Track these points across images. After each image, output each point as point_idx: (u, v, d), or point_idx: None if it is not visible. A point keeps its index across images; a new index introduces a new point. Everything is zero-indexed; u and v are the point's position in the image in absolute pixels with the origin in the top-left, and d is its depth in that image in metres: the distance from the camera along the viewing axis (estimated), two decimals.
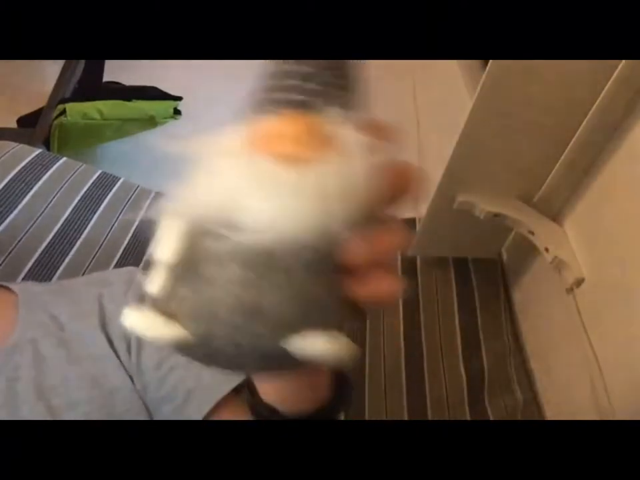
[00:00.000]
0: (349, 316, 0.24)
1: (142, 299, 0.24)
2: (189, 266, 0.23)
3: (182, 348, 0.23)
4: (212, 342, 0.22)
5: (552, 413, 0.86)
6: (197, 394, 0.50)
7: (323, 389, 0.36)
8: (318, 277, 0.22)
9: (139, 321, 0.23)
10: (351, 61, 0.27)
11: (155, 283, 0.23)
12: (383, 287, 0.23)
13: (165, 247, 0.23)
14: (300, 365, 0.23)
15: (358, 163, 0.22)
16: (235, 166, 0.22)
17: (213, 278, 0.22)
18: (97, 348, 0.52)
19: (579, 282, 0.76)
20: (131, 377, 0.52)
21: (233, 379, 0.50)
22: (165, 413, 0.51)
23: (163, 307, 0.23)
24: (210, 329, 0.22)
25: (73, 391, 0.49)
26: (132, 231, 0.96)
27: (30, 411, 0.47)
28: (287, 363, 0.23)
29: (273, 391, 0.35)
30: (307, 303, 0.22)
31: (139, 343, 0.53)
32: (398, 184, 0.24)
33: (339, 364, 0.23)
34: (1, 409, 0.47)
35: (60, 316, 0.54)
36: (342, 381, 0.38)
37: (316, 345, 0.22)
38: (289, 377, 0.31)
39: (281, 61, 0.26)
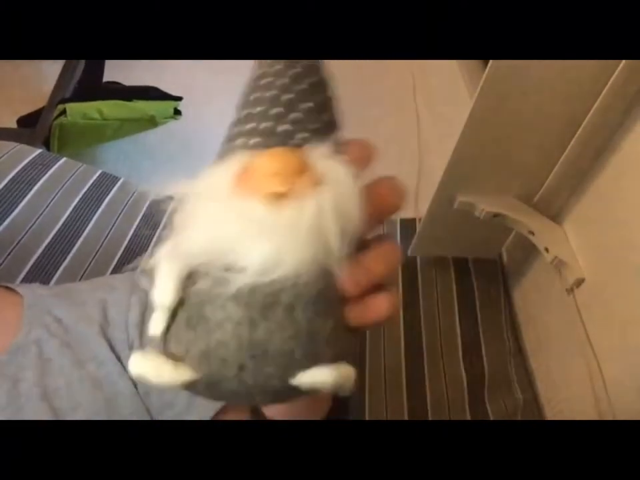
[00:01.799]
0: (350, 341, 0.24)
1: (146, 342, 0.24)
2: (191, 309, 0.23)
3: (190, 389, 0.24)
4: (220, 383, 0.23)
5: (552, 413, 0.86)
6: (200, 401, 0.50)
7: (325, 405, 0.37)
8: (319, 310, 0.23)
9: (146, 367, 0.23)
10: (327, 81, 0.26)
11: (157, 326, 0.24)
12: (382, 308, 0.23)
13: (165, 290, 0.23)
14: (305, 395, 0.23)
15: (345, 193, 0.22)
16: (226, 209, 0.22)
17: (216, 320, 0.22)
18: (100, 352, 0.52)
19: (579, 282, 0.76)
20: (134, 382, 0.52)
21: None
22: (167, 418, 0.51)
23: (168, 350, 0.24)
24: (218, 371, 0.23)
25: (77, 394, 0.49)
26: (132, 231, 0.96)
27: (33, 412, 0.47)
28: (293, 395, 0.23)
29: (277, 412, 0.36)
30: (310, 338, 0.22)
31: (141, 348, 0.53)
32: (384, 203, 0.24)
33: (343, 391, 0.23)
34: (4, 410, 0.47)
35: (64, 319, 0.54)
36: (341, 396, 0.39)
37: (322, 377, 0.22)
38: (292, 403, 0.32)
39: (257, 86, 0.26)
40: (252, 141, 0.24)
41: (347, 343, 0.24)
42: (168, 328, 0.24)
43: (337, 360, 0.23)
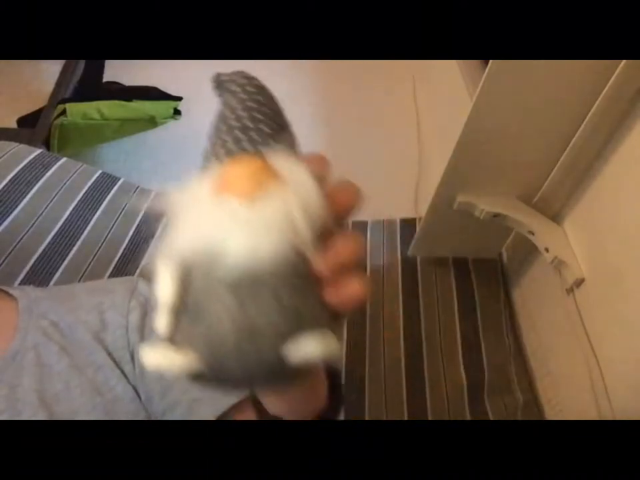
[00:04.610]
0: (329, 318, 0.27)
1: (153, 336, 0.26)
2: (188, 304, 0.26)
3: (195, 378, 0.26)
4: (223, 368, 0.26)
5: (552, 413, 0.86)
6: (202, 404, 0.50)
7: (322, 395, 0.38)
8: (298, 288, 0.26)
9: (158, 358, 0.26)
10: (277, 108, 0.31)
11: (162, 323, 0.26)
12: (353, 289, 0.26)
13: (164, 289, 0.26)
14: (301, 372, 0.26)
15: (306, 187, 0.26)
16: (209, 210, 0.26)
17: (212, 310, 0.26)
18: (97, 357, 0.52)
19: (579, 282, 0.76)
20: (134, 387, 0.52)
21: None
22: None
23: (174, 342, 0.26)
24: (220, 357, 0.25)
25: (75, 399, 0.49)
26: (131, 232, 0.96)
27: (31, 417, 0.47)
28: (289, 373, 0.26)
29: (278, 403, 0.36)
30: (293, 312, 0.26)
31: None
32: (343, 201, 0.28)
33: (331, 358, 0.26)
34: (1, 415, 0.47)
35: (60, 323, 0.54)
36: (335, 384, 0.41)
37: (310, 346, 0.25)
38: (292, 390, 0.34)
39: (228, 112, 0.31)
40: (222, 156, 0.29)
41: (327, 320, 0.27)
42: (172, 324, 0.26)
43: (322, 331, 0.26)
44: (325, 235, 0.26)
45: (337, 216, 0.27)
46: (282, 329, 0.25)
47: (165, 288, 0.26)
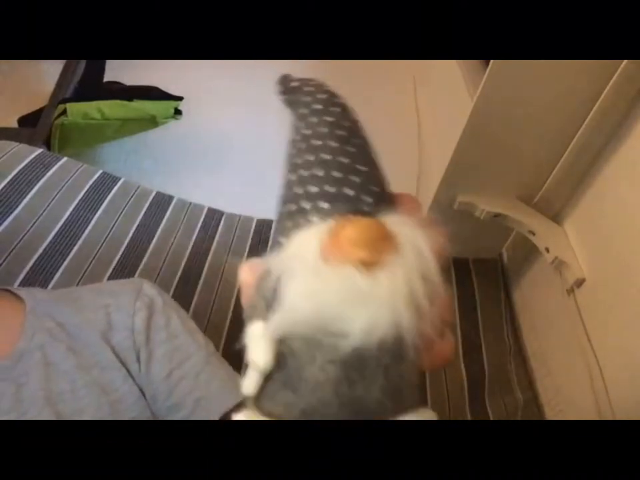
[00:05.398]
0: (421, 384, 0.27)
1: None
2: (289, 371, 0.24)
3: None
4: None
5: (552, 413, 0.86)
6: (205, 403, 0.50)
7: None
8: (406, 363, 0.24)
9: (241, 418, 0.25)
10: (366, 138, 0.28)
11: (251, 387, 0.25)
12: (447, 354, 0.25)
13: (262, 353, 0.24)
14: None
15: (424, 257, 0.24)
16: (326, 278, 0.24)
17: (317, 381, 0.24)
18: (103, 357, 0.52)
19: (580, 282, 0.76)
20: (139, 387, 0.52)
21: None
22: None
23: (265, 409, 0.25)
24: None
25: (81, 398, 0.49)
26: (132, 231, 0.96)
27: (37, 416, 0.47)
28: None
29: None
30: (399, 387, 0.24)
31: (148, 354, 0.53)
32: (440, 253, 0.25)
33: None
34: (8, 414, 0.47)
35: (66, 323, 0.54)
36: None
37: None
38: None
39: (308, 148, 0.27)
40: (323, 206, 0.26)
41: (420, 387, 0.26)
42: (267, 389, 0.25)
43: (419, 404, 0.25)
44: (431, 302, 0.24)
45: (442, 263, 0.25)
46: (388, 406, 0.24)
47: (261, 351, 0.24)
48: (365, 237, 0.24)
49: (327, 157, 0.27)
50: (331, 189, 0.26)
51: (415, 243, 0.24)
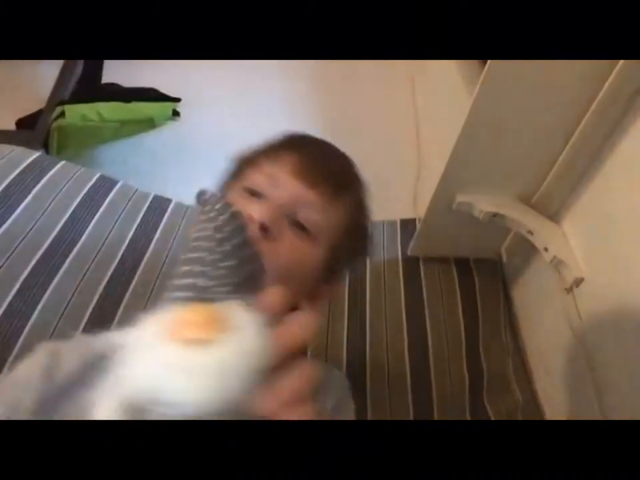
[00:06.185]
0: None
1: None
2: None
3: None
4: None
5: (552, 413, 0.86)
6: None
7: None
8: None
9: None
10: (249, 241, 0.34)
11: None
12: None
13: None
14: None
15: (251, 336, 0.28)
16: (155, 354, 0.27)
17: None
18: None
19: (579, 281, 0.76)
20: None
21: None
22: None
23: None
24: None
25: None
26: (130, 235, 0.95)
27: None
28: None
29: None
30: None
31: None
32: (294, 335, 0.29)
33: None
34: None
35: None
36: None
37: None
38: None
39: (192, 247, 0.33)
40: (182, 295, 0.31)
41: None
42: None
43: None
44: (276, 369, 0.28)
45: (285, 350, 0.29)
46: None
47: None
48: (196, 320, 0.28)
49: (197, 254, 0.32)
50: (188, 281, 0.31)
51: (245, 325, 0.28)
